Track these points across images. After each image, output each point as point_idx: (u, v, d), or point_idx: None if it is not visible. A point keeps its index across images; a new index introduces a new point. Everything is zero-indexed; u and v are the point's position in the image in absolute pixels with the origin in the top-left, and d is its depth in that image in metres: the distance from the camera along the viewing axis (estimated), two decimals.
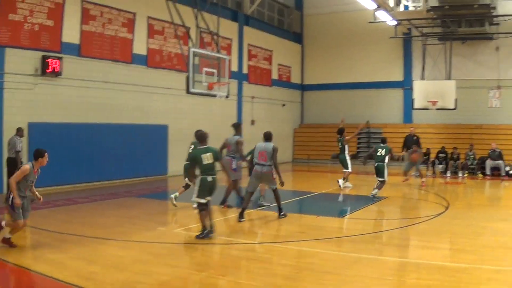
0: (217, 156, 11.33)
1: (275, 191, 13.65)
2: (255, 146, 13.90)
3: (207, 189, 11.08)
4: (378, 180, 17.71)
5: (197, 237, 11.03)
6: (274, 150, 13.33)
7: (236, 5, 31.01)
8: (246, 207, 13.53)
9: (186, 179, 14.92)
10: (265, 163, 13.35)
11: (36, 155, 9.93)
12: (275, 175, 13.56)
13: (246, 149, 15.83)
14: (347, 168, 20.19)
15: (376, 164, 17.88)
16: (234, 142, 15.22)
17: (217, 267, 9.23)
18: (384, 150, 17.91)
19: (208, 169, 11.07)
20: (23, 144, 16.78)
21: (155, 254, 9.80)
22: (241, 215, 13.25)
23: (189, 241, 11.07)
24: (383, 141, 18.74)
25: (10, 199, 9.58)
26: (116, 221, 13.26)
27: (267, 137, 13.68)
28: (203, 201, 11.07)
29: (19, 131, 16.69)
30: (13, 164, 15.72)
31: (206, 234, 11.00)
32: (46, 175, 17.45)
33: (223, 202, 15.14)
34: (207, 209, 11.16)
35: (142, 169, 22.91)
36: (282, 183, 13.53)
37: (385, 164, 17.76)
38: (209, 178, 11.04)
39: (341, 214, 14.79)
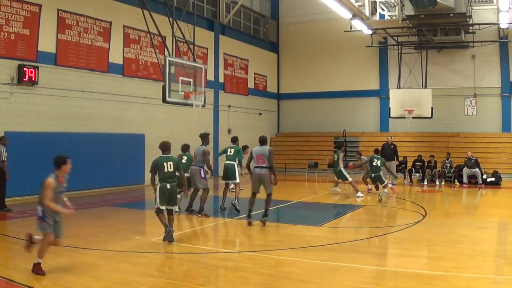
0: (177, 166, 11.78)
1: (269, 195, 14.10)
2: (251, 150, 14.38)
3: (166, 196, 11.51)
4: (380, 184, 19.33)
5: (170, 242, 11.31)
6: (270, 152, 13.82)
7: (212, 14, 31.07)
8: (252, 208, 14.09)
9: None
10: (263, 165, 13.81)
11: (58, 162, 9.21)
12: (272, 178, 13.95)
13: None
14: (346, 179, 21.12)
15: (374, 175, 19.43)
16: (201, 152, 15.54)
17: (195, 276, 9.14)
18: (379, 161, 19.54)
19: (168, 177, 11.56)
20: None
21: (132, 263, 9.73)
22: (248, 216, 13.96)
23: (167, 250, 10.99)
24: (377, 151, 20.25)
25: (40, 211, 8.89)
26: (93, 231, 13.12)
27: (262, 140, 14.11)
28: (162, 207, 11.53)
29: (2, 140, 15.70)
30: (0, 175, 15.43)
31: (168, 232, 11.36)
32: (22, 184, 17.47)
33: (200, 211, 15.12)
34: (163, 212, 11.61)
35: (119, 179, 22.79)
36: (275, 182, 14.01)
37: (381, 173, 19.39)
38: (168, 186, 11.52)
39: (319, 223, 14.74)
